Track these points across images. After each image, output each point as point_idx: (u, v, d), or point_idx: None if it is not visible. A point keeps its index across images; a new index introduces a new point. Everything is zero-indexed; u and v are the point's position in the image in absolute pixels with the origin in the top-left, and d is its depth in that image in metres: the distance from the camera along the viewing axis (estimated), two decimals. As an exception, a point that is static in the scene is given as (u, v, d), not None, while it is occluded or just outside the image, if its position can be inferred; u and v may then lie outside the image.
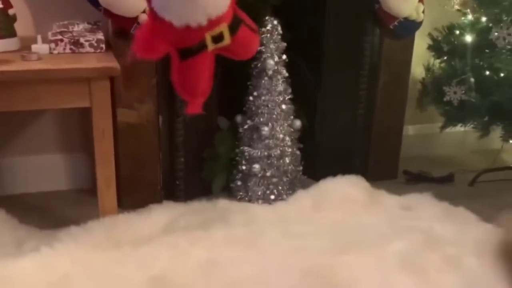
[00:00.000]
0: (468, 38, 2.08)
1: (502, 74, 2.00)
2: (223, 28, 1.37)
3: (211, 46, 1.37)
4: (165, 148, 2.00)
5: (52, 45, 1.72)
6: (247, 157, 2.04)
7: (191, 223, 1.77)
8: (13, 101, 1.58)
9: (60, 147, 2.13)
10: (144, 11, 1.70)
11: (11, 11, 1.76)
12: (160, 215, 1.81)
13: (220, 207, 1.93)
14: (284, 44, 2.01)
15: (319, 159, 2.24)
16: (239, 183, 2.08)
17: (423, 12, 2.00)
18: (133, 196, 1.95)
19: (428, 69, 2.22)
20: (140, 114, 1.91)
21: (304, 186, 2.07)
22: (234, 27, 1.40)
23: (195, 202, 1.98)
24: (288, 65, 2.04)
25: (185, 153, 2.01)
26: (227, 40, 1.38)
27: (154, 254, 1.59)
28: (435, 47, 2.17)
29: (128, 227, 1.72)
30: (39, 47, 1.70)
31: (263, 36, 1.97)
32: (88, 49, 1.74)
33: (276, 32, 1.99)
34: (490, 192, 2.20)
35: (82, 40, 1.74)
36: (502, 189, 2.21)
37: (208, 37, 1.36)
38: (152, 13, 1.36)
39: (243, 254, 1.61)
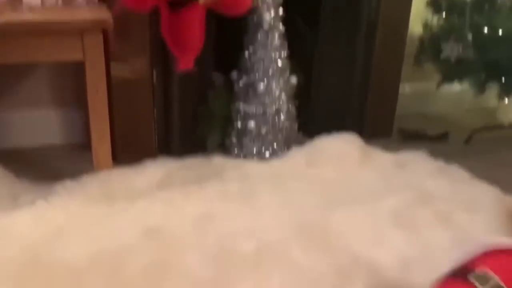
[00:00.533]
0: (467, -6, 2.05)
1: (500, 31, 1.98)
2: None
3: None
4: (159, 104, 1.99)
5: (44, -4, 1.68)
6: (242, 114, 2.04)
7: (185, 178, 1.78)
8: (4, 54, 1.56)
9: (54, 102, 2.12)
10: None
11: (0, -39, 1.72)
12: (155, 170, 1.82)
13: (215, 163, 1.93)
14: (281, -1, 1.98)
15: (314, 116, 2.24)
16: (234, 140, 2.08)
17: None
18: (128, 152, 1.95)
19: (426, 25, 2.19)
20: (134, 69, 1.90)
21: (299, 143, 2.07)
22: None
23: (190, 158, 1.98)
24: (284, 21, 2.01)
25: (180, 109, 2.00)
26: None
27: (149, 207, 1.60)
28: (434, 3, 2.14)
29: (123, 181, 1.73)
30: (30, -1, 1.67)
31: (259, -11, 1.93)
32: (80, 1, 1.71)
33: (273, -14, 1.95)
34: (485, 150, 2.21)
35: (74, -9, 1.70)
36: (497, 147, 2.22)
37: None
38: None
39: (237, 208, 1.63)
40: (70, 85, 2.10)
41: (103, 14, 1.61)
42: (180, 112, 2.01)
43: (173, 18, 1.34)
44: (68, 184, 1.69)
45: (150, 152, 1.99)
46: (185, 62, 1.42)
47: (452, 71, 2.09)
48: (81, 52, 1.59)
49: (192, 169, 1.87)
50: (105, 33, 1.63)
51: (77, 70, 2.00)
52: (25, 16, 1.56)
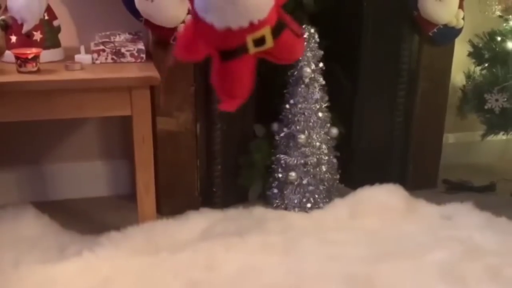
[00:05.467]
0: (510, 44, 2.04)
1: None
2: (266, 31, 1.34)
3: (252, 49, 1.35)
4: (202, 155, 2.03)
5: (95, 55, 1.77)
6: (284, 165, 2.05)
7: (227, 229, 1.79)
8: (57, 110, 1.64)
9: (101, 154, 2.18)
10: (183, 22, 1.73)
11: (55, 22, 1.83)
12: (197, 221, 1.84)
13: (256, 215, 1.94)
14: (321, 52, 2.02)
15: (356, 167, 2.22)
16: (275, 190, 2.09)
17: (463, 18, 1.98)
18: (171, 203, 1.98)
19: (468, 76, 2.18)
20: (178, 122, 1.95)
21: (341, 194, 2.06)
22: (277, 31, 1.36)
23: (231, 209, 1.99)
24: (325, 73, 2.04)
25: (222, 160, 2.03)
26: (269, 43, 1.36)
27: (191, 259, 1.61)
28: (476, 54, 2.13)
29: (166, 233, 1.75)
30: (82, 57, 1.76)
31: (300, 44, 1.98)
32: (129, 59, 1.79)
33: (313, 40, 1.99)
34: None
35: (123, 50, 1.79)
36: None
37: (249, 40, 1.34)
38: (194, 15, 1.37)
39: (279, 260, 1.62)
40: (117, 138, 2.17)
41: (151, 71, 1.68)
42: (223, 163, 2.04)
43: (223, 67, 1.38)
44: (114, 235, 1.72)
45: (193, 203, 2.01)
46: (228, 105, 1.45)
47: (496, 122, 2.06)
48: (129, 108, 1.65)
49: (234, 220, 1.88)
50: (152, 89, 1.69)
51: (124, 123, 2.07)
52: (76, 74, 1.64)
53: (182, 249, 1.65)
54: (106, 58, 1.78)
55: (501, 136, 2.19)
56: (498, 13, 2.12)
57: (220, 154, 2.02)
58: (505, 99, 1.99)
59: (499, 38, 2.07)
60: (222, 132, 2.00)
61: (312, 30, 1.99)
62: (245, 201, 2.09)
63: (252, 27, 1.32)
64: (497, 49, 2.06)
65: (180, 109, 1.94)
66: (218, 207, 2.01)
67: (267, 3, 1.33)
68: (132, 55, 1.79)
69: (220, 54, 1.36)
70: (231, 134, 2.03)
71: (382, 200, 1.95)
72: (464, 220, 1.89)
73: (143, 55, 1.80)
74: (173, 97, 1.92)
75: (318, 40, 2.00)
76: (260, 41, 1.35)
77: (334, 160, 2.11)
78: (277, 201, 2.07)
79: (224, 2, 1.28)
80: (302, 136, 2.01)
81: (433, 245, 1.70)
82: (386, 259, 1.61)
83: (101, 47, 1.78)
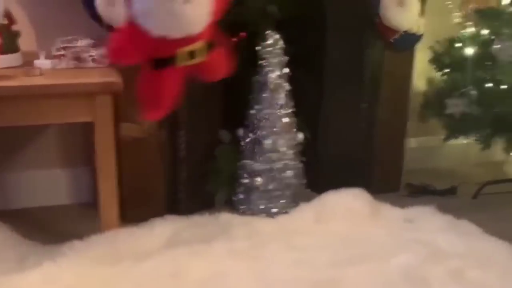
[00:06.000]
0: (469, 50, 2.09)
1: (503, 86, 2.00)
2: (200, 45, 1.38)
3: (184, 61, 1.38)
4: (168, 162, 2.00)
5: (55, 60, 1.73)
6: (249, 171, 2.04)
7: (193, 236, 1.77)
8: (16, 116, 1.60)
9: (63, 161, 2.13)
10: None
11: (14, 27, 1.78)
12: (162, 229, 1.81)
13: (223, 221, 1.93)
14: (286, 58, 2.02)
15: (322, 172, 2.24)
16: (241, 196, 2.08)
17: (423, 25, 2.02)
18: (135, 210, 1.95)
19: (430, 82, 2.23)
20: (143, 128, 1.92)
21: (307, 199, 2.07)
22: (210, 47, 1.41)
23: (197, 215, 1.97)
24: (290, 79, 2.05)
25: (187, 167, 2.02)
26: (201, 58, 1.39)
27: (156, 268, 1.58)
28: (437, 60, 2.18)
29: (130, 241, 1.72)
30: (42, 62, 1.72)
31: (265, 50, 1.98)
32: (90, 64, 1.76)
33: (278, 46, 2.00)
34: (493, 204, 2.19)
35: (84, 55, 1.75)
36: (505, 201, 2.20)
37: (182, 52, 1.37)
38: (131, 18, 1.37)
39: (245, 266, 1.61)
40: (79, 145, 2.13)
41: (112, 77, 1.65)
42: (188, 169, 2.02)
43: (153, 76, 1.39)
44: (76, 244, 1.68)
45: (159, 210, 1.98)
46: (151, 116, 1.46)
47: (457, 127, 2.11)
48: (91, 114, 1.62)
49: (200, 227, 1.86)
50: (114, 95, 1.67)
51: (86, 129, 2.03)
52: (36, 80, 1.60)
53: (147, 258, 1.62)
54: (67, 64, 1.74)
55: (462, 140, 2.24)
56: (457, 20, 2.18)
57: (186, 160, 2.01)
58: (465, 104, 2.04)
59: (458, 45, 2.12)
60: (187, 138, 1.98)
61: (277, 36, 2.00)
62: (212, 207, 2.07)
63: (187, 39, 1.35)
64: (456, 55, 2.11)
65: (144, 115, 1.91)
66: (184, 213, 1.99)
67: (204, 18, 1.36)
68: (94, 60, 1.76)
69: (151, 61, 1.38)
70: (197, 140, 2.01)
71: (347, 205, 1.97)
72: (427, 223, 1.93)
73: (105, 60, 1.77)
74: (136, 102, 1.89)
75: (283, 46, 2.01)
76: (192, 54, 1.39)
77: (300, 165, 2.12)
78: (243, 206, 2.07)
79: (165, 12, 1.30)
80: (268, 142, 2.02)
81: (398, 248, 1.72)
82: (352, 263, 1.62)
83: (62, 52, 1.74)
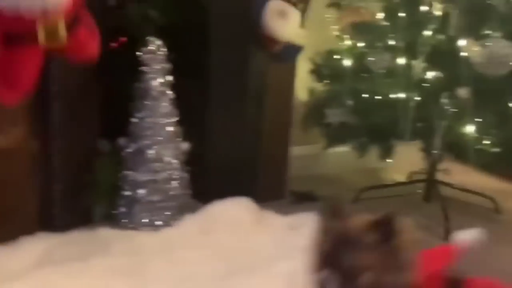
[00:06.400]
0: (347, 62, 2.18)
1: (378, 97, 2.11)
2: (59, 24, 1.29)
3: (43, 41, 1.28)
4: (40, 174, 1.86)
5: None
6: (131, 182, 1.96)
7: (68, 254, 1.66)
8: None
9: None
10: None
11: None
12: (32, 247, 1.68)
13: (102, 236, 1.83)
14: (169, 65, 1.97)
15: (209, 182, 2.21)
16: (123, 209, 1.99)
17: (304, 37, 2.07)
18: (4, 228, 1.78)
19: (310, 92, 2.29)
20: (11, 138, 1.77)
21: (193, 210, 2.03)
22: (71, 26, 1.31)
23: (73, 231, 1.85)
24: (175, 87, 2.00)
25: (62, 179, 1.89)
26: (62, 38, 1.29)
27: (23, 291, 1.45)
28: (317, 71, 2.25)
29: (-5, 262, 1.56)
30: None
31: (146, 56, 1.92)
32: None
33: (160, 53, 1.95)
34: (372, 208, 2.27)
35: None
36: (383, 205, 2.31)
37: (41, 30, 1.27)
38: None
39: (124, 285, 1.53)
40: None
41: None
42: (63, 182, 1.89)
43: (8, 54, 1.28)
44: None
45: (29, 227, 1.83)
46: (7, 98, 1.34)
47: (336, 135, 2.19)
48: None
49: (76, 244, 1.75)
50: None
51: None
52: None
53: (14, 279, 1.49)
54: None
55: (343, 148, 2.33)
56: (335, 32, 2.27)
57: (60, 172, 1.88)
58: (343, 113, 2.13)
59: (336, 56, 2.20)
60: (62, 149, 1.86)
61: (159, 42, 1.94)
62: (90, 222, 1.96)
63: (45, 16, 1.25)
64: (334, 67, 2.20)
65: (13, 123, 1.76)
66: (59, 230, 1.86)
67: None
68: None
69: (6, 37, 1.27)
70: (73, 151, 1.90)
71: (232, 214, 1.96)
72: (310, 229, 1.96)
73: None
74: (4, 110, 1.73)
75: (166, 52, 1.96)
76: (52, 34, 1.29)
77: (186, 175, 2.07)
78: (125, 220, 1.97)
79: None
80: (151, 152, 1.95)
81: (281, 256, 1.73)
82: (236, 274, 1.61)
83: None
